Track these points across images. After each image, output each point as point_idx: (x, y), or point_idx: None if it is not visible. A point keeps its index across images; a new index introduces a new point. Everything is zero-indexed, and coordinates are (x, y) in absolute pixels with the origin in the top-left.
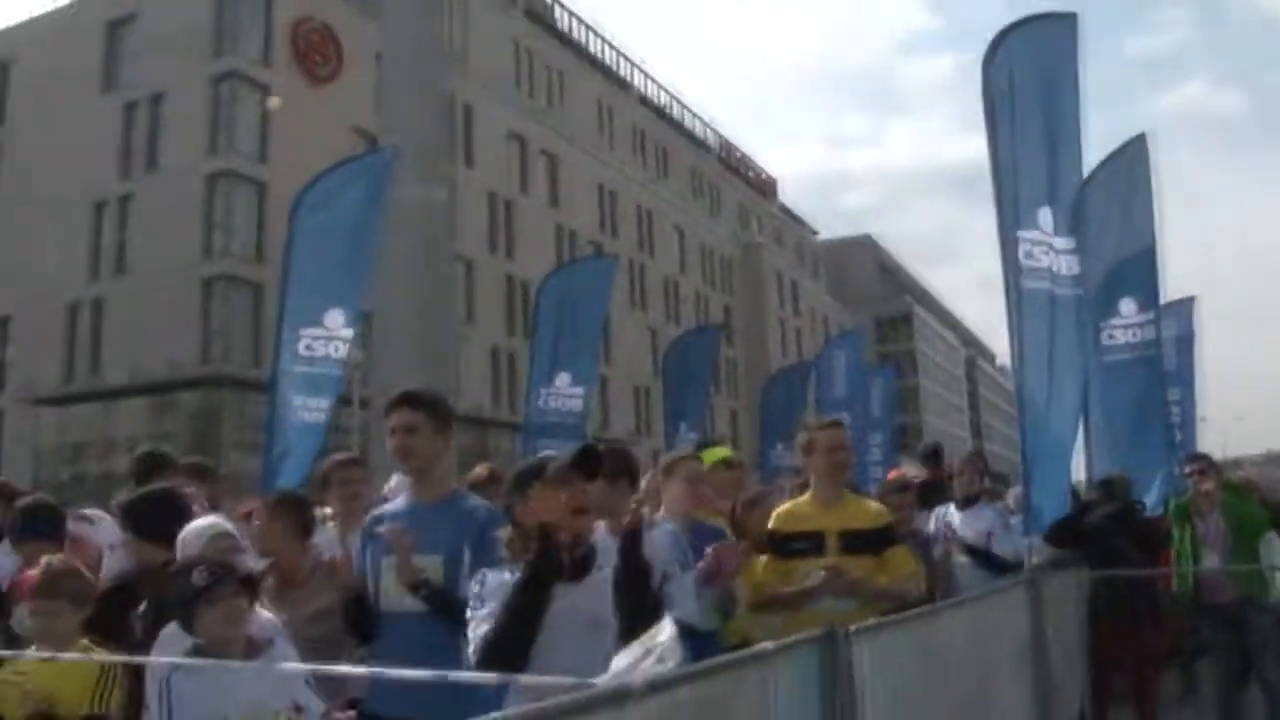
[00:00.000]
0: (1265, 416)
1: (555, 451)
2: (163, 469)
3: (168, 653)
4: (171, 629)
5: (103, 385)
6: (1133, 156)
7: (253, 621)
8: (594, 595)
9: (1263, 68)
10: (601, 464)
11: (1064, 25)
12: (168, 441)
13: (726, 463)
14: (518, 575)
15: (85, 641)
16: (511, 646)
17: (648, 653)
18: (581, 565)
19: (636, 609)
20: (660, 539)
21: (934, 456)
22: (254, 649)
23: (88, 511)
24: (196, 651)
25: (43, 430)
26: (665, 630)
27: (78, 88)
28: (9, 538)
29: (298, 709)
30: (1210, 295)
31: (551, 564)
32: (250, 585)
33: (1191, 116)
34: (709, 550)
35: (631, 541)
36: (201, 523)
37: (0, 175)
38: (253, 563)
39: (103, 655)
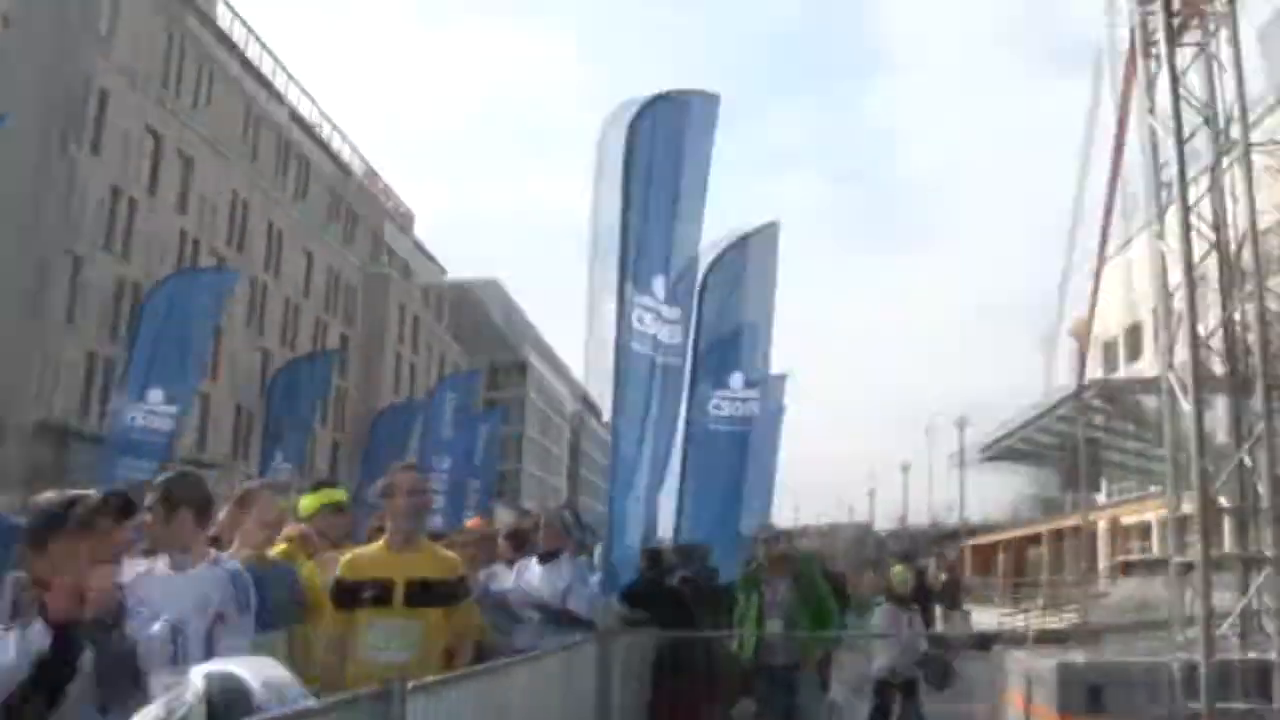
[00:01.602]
0: (828, 491)
1: (88, 491)
2: None
3: None
4: None
5: None
6: (763, 241)
7: None
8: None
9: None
10: (135, 508)
11: (709, 104)
12: None
13: (337, 506)
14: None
15: None
16: None
17: (170, 714)
18: (110, 621)
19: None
20: (213, 578)
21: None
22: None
23: None
24: None
25: None
26: (193, 687)
27: None
28: None
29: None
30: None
31: (63, 670)
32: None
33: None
34: None
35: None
36: None
37: None
38: None
39: None
